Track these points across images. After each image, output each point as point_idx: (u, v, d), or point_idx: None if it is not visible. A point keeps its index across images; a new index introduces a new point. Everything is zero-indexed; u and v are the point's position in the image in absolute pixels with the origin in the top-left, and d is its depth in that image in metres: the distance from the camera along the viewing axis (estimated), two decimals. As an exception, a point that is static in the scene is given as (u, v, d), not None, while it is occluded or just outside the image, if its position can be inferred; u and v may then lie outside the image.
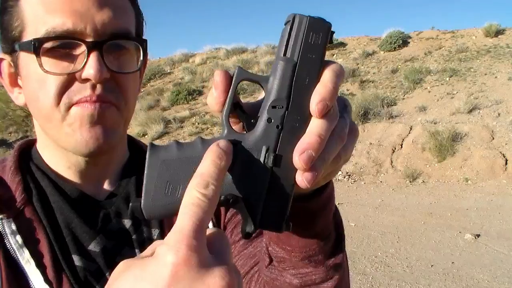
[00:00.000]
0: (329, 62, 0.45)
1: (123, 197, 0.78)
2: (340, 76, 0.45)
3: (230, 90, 0.44)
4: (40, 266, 0.67)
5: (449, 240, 5.94)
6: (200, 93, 17.11)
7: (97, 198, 0.77)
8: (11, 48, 0.70)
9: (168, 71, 20.42)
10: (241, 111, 0.45)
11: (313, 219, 0.57)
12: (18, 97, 0.75)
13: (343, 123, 0.46)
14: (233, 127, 0.45)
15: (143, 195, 0.42)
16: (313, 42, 0.43)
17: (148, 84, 18.72)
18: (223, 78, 0.44)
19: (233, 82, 0.44)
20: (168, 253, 0.35)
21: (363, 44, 18.83)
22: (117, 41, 0.69)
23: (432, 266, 5.11)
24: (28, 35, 0.67)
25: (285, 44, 0.44)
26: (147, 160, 0.42)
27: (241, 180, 0.43)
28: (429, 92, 13.38)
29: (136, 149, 0.86)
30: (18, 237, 0.67)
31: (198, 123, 14.19)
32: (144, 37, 0.78)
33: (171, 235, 0.36)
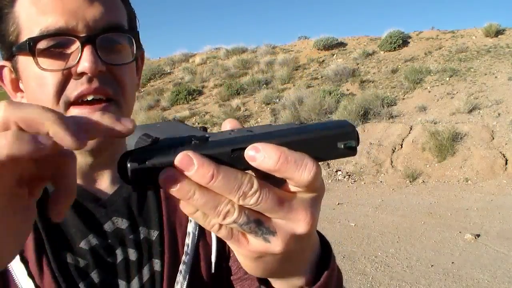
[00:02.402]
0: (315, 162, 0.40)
1: (124, 198, 0.78)
2: (310, 171, 0.38)
3: None
4: (24, 260, 0.67)
5: (449, 240, 5.94)
6: (200, 93, 17.10)
7: (99, 197, 0.77)
8: (10, 53, 0.72)
9: (168, 71, 20.41)
10: None
11: None
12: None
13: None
14: None
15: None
16: (336, 142, 0.40)
17: (148, 84, 18.71)
18: None
19: None
20: None
21: (363, 44, 18.82)
22: (110, 35, 0.70)
23: (432, 266, 5.11)
24: (24, 37, 0.68)
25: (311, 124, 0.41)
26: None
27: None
28: (429, 92, 13.38)
29: None
30: None
31: (198, 123, 14.18)
32: (139, 34, 0.79)
33: None
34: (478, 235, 6.03)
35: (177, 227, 0.79)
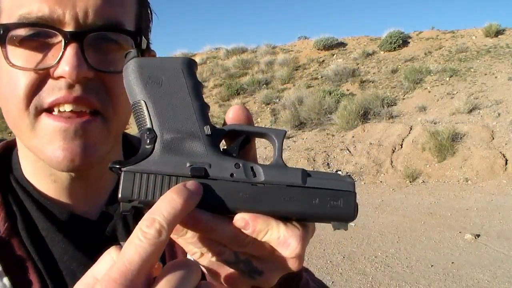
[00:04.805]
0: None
1: (120, 216, 0.66)
2: (292, 251, 0.40)
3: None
4: None
5: (449, 240, 5.94)
6: (200, 93, 17.11)
7: (89, 217, 0.65)
8: None
9: (168, 71, 20.38)
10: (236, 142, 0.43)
11: None
12: None
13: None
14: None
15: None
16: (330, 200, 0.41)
17: (148, 84, 18.69)
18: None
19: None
20: None
21: (363, 44, 18.82)
22: (103, 33, 0.56)
23: (432, 266, 5.11)
24: (2, 22, 0.56)
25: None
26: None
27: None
28: (429, 92, 13.39)
29: (133, 150, 0.72)
30: (6, 280, 0.56)
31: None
32: (148, 34, 0.67)
33: (106, 271, 0.34)
34: (478, 235, 6.03)
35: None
